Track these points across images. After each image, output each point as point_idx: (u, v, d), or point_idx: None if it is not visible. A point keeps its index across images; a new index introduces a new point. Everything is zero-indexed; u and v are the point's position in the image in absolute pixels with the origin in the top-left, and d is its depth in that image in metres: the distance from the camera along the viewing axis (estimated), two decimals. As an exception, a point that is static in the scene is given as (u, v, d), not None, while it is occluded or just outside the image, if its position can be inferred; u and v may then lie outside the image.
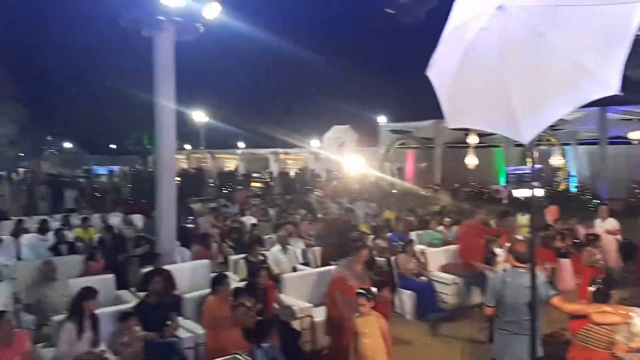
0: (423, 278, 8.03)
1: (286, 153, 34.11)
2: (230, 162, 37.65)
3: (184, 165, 34.83)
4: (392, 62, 31.52)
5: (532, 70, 2.16)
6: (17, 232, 10.19)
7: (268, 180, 27.02)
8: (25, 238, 9.90)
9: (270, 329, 4.95)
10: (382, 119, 29.55)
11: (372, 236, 9.51)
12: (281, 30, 26.69)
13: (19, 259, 9.15)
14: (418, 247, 8.92)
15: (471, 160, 19.38)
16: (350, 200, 16.26)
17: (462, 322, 7.48)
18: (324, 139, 18.79)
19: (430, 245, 9.62)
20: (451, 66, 2.34)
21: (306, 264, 8.83)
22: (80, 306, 5.07)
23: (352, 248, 6.27)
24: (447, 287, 7.94)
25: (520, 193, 11.25)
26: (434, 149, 25.37)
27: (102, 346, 5.14)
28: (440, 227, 10.64)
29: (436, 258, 8.70)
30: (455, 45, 2.33)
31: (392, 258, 8.17)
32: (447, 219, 11.22)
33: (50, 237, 9.92)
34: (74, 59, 29.19)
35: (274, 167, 32.75)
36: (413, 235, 9.87)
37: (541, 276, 4.23)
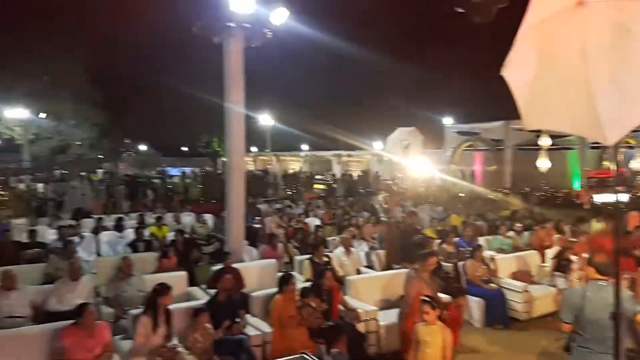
0: (492, 285, 7.76)
1: (349, 155, 34.12)
2: (294, 164, 38.20)
3: (251, 167, 35.77)
4: (458, 62, 30.68)
5: (618, 67, 2.04)
6: (97, 229, 10.75)
7: (331, 182, 27.15)
8: (104, 235, 10.46)
9: (341, 335, 4.95)
10: (448, 120, 28.89)
11: (437, 241, 9.32)
12: (345, 33, 26.72)
13: (98, 254, 9.72)
14: (487, 253, 8.64)
15: (543, 163, 18.49)
16: (415, 203, 16.00)
17: (534, 331, 7.17)
18: (389, 141, 18.53)
19: (500, 251, 9.32)
20: (529, 66, 2.25)
21: (370, 266, 8.79)
22: (156, 301, 5.26)
23: (419, 255, 6.08)
24: (518, 295, 7.63)
25: (602, 198, 10.51)
26: (503, 151, 24.44)
27: (174, 340, 5.33)
28: (511, 233, 10.25)
29: (506, 264, 8.40)
30: (533, 44, 2.24)
31: (460, 264, 7.97)
32: (518, 224, 10.80)
33: (126, 234, 10.45)
34: (150, 65, 30.70)
35: (337, 170, 32.87)
36: (481, 240, 9.58)
37: (626, 290, 3.95)
